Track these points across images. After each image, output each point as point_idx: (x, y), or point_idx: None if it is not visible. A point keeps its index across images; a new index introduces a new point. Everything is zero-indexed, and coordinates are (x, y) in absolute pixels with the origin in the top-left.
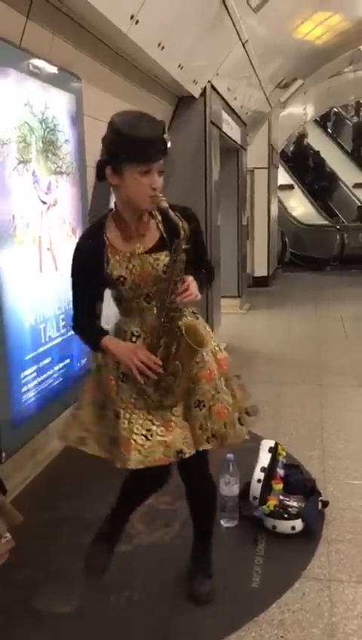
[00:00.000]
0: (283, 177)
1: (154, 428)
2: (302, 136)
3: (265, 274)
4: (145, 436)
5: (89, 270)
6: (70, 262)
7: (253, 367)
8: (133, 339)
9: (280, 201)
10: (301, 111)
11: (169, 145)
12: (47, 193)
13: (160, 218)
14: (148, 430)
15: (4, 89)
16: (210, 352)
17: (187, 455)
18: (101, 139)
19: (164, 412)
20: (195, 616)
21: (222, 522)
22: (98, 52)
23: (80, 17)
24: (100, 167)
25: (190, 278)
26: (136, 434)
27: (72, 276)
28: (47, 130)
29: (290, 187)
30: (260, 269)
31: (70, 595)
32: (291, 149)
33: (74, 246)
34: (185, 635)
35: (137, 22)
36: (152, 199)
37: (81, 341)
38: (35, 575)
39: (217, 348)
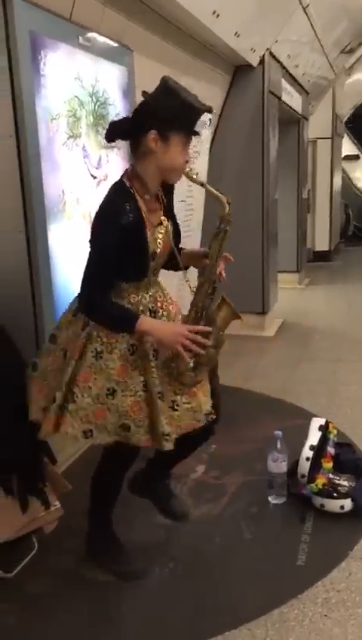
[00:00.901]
0: (349, 147)
1: (178, 398)
2: None
3: (327, 248)
4: (172, 407)
5: (130, 244)
6: (100, 233)
7: (309, 344)
8: (151, 315)
9: (344, 172)
10: None
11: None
12: (97, 168)
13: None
14: (173, 401)
15: (53, 63)
16: None
17: (212, 417)
18: (146, 99)
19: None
20: (238, 591)
21: (269, 499)
22: (150, 22)
23: None
24: (130, 128)
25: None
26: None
27: (103, 249)
28: (98, 103)
29: (356, 157)
30: (321, 244)
31: (116, 562)
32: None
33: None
34: (226, 608)
35: None
36: (178, 172)
37: (103, 324)
38: (83, 544)
39: None
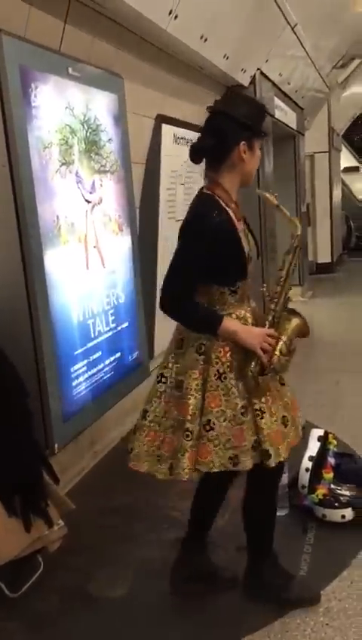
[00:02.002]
0: (348, 159)
1: (287, 413)
2: None
3: (329, 260)
4: (284, 423)
5: (224, 245)
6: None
7: (313, 356)
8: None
9: (344, 185)
10: None
11: None
12: (91, 192)
13: None
14: (284, 416)
15: (44, 94)
16: None
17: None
18: (225, 112)
19: (287, 394)
20: (240, 602)
21: None
22: (139, 49)
23: (118, 17)
24: (217, 144)
25: None
26: (280, 423)
27: (191, 248)
28: (90, 131)
29: (356, 169)
30: (323, 256)
31: (121, 581)
32: None
33: (120, 242)
34: (229, 620)
35: (176, 17)
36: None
37: (187, 323)
38: (89, 561)
39: None
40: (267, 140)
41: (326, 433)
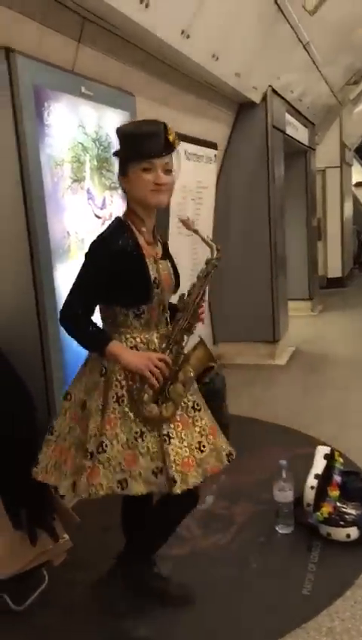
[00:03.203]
0: (360, 174)
1: (203, 439)
2: None
3: (340, 275)
4: (199, 449)
5: (127, 268)
6: (91, 254)
7: (321, 372)
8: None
9: (356, 199)
10: None
11: (177, 146)
12: (101, 208)
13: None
14: (200, 442)
15: (57, 113)
16: None
17: (234, 455)
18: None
19: (205, 419)
20: (243, 621)
21: (277, 528)
22: (152, 68)
23: (131, 37)
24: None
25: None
26: (193, 449)
27: (90, 268)
28: (101, 148)
29: None
30: (334, 270)
31: (125, 597)
32: None
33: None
34: (232, 638)
35: (188, 36)
36: (154, 193)
37: (78, 341)
38: (93, 576)
39: None
40: (279, 158)
41: (333, 451)
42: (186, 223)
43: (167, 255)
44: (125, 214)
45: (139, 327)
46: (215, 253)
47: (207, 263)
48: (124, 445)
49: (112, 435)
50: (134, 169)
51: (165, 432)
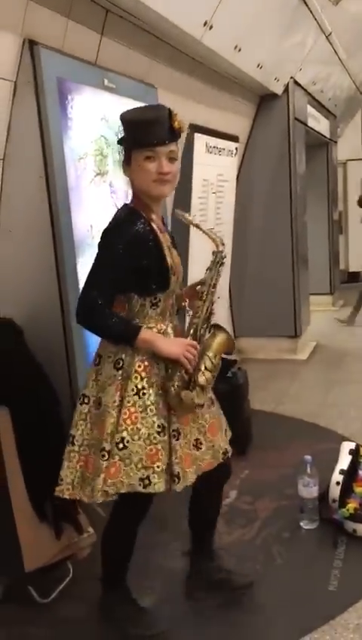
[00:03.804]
0: None
1: (201, 437)
2: None
3: (361, 269)
4: (196, 446)
5: (136, 252)
6: (106, 244)
7: (343, 367)
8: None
9: None
10: None
11: (182, 131)
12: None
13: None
14: (197, 439)
15: (80, 106)
16: None
17: (230, 453)
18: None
19: (206, 416)
20: (269, 617)
21: (301, 524)
22: (174, 60)
23: (154, 29)
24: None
25: None
26: (191, 446)
27: (107, 257)
28: None
29: None
30: (355, 264)
31: (148, 591)
32: None
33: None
34: (257, 634)
35: (211, 27)
36: (157, 184)
37: (102, 334)
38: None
39: None
40: (301, 150)
41: (358, 446)
42: (186, 219)
43: (174, 245)
44: (133, 202)
45: (155, 317)
46: (220, 246)
47: (214, 254)
48: (146, 440)
49: (133, 430)
50: (136, 157)
51: (174, 428)
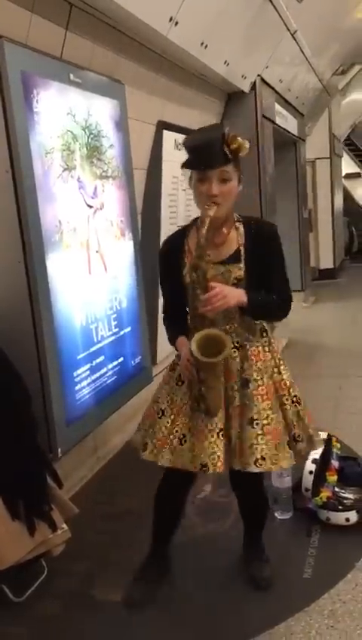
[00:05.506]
0: (350, 166)
1: (188, 435)
2: None
3: (332, 266)
4: (180, 440)
5: (167, 271)
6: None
7: (315, 361)
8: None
9: (346, 191)
10: None
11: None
12: (93, 197)
13: (242, 230)
14: (184, 435)
15: (46, 100)
16: (272, 371)
17: (210, 471)
18: None
19: (207, 421)
20: (245, 606)
21: (276, 514)
22: (140, 56)
23: (119, 24)
24: None
25: (218, 287)
26: (174, 435)
27: (159, 277)
28: (91, 136)
29: (357, 175)
30: (326, 262)
31: (125, 586)
32: None
33: (123, 247)
34: (234, 623)
35: (177, 23)
36: (205, 207)
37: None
38: (92, 566)
39: (276, 369)
40: (269, 148)
41: (330, 436)
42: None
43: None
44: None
45: (198, 326)
46: (201, 240)
47: (196, 254)
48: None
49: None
50: (193, 179)
51: (162, 407)
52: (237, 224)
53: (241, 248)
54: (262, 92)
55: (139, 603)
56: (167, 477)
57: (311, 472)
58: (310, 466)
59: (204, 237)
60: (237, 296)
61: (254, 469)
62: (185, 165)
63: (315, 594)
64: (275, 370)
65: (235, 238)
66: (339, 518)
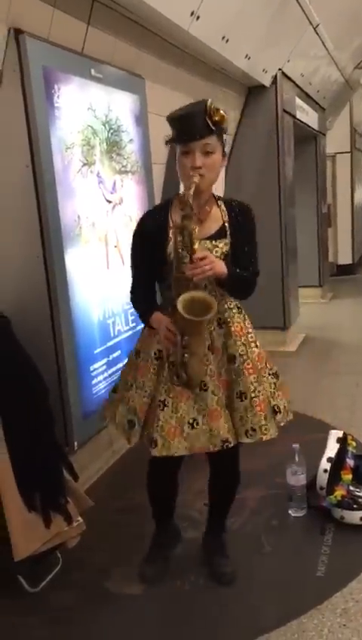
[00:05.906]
0: None
1: (200, 417)
2: None
3: (350, 262)
4: (191, 424)
5: (147, 246)
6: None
7: (332, 358)
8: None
9: None
10: None
11: (222, 125)
12: (112, 192)
13: (224, 207)
14: (194, 419)
15: (67, 95)
16: (252, 346)
17: (232, 444)
18: None
19: (208, 401)
20: (257, 602)
21: (290, 512)
22: (161, 50)
23: (140, 19)
24: None
25: (207, 253)
26: (183, 422)
27: (131, 249)
28: (111, 131)
29: None
30: (344, 257)
31: (138, 579)
32: None
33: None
34: (246, 619)
35: (198, 17)
36: (190, 178)
37: (135, 313)
38: (106, 558)
39: (254, 344)
40: (289, 142)
41: (345, 435)
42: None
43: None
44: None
45: (181, 293)
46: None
47: (182, 217)
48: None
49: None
50: (177, 152)
51: (161, 399)
52: (219, 202)
53: (226, 224)
54: (283, 86)
55: (151, 581)
56: (154, 464)
57: (325, 471)
58: (325, 464)
59: (190, 197)
60: (221, 266)
61: (245, 440)
62: (169, 141)
63: (328, 592)
64: (253, 344)
65: (219, 215)
66: (354, 516)
